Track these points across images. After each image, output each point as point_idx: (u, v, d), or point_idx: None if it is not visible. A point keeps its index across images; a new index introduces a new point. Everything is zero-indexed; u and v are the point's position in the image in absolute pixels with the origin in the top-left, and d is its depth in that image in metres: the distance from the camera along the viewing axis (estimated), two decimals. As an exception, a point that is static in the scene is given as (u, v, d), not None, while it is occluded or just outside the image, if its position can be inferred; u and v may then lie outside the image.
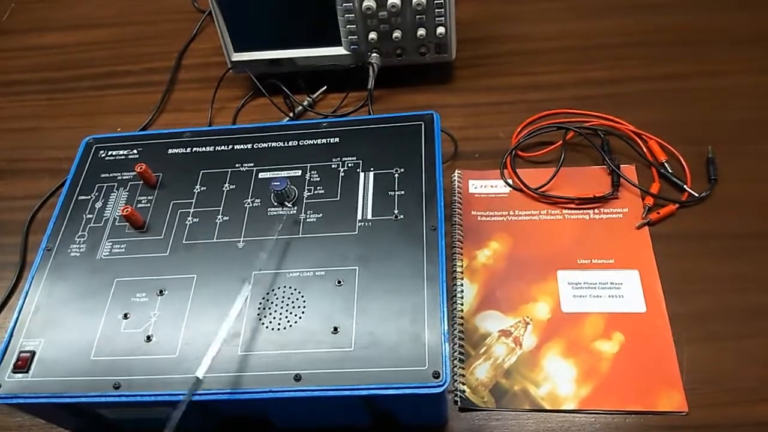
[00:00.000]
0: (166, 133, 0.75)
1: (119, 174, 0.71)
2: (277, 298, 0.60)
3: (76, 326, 0.60)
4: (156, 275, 0.63)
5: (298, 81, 0.94)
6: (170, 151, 0.73)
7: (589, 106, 0.86)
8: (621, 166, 0.79)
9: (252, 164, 0.70)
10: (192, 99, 0.99)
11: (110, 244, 0.66)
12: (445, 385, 0.53)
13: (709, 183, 0.77)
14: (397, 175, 0.67)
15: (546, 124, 0.85)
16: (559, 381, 0.65)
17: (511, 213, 0.78)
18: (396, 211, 0.64)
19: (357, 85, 0.91)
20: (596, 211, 0.77)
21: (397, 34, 0.86)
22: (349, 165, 0.68)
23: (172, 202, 0.68)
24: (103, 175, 0.72)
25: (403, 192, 0.65)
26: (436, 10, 0.84)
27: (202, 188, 0.69)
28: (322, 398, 0.54)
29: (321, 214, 0.65)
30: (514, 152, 0.83)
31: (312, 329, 0.57)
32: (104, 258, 0.65)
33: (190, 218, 0.67)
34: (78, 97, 1.02)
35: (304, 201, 0.66)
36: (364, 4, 0.83)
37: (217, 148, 0.72)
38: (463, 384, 0.65)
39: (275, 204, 0.66)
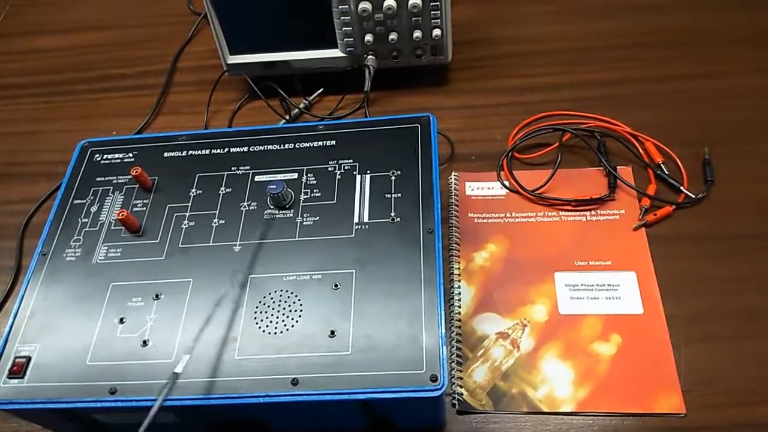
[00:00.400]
0: (162, 137, 0.75)
1: (115, 177, 0.71)
2: (273, 302, 0.59)
3: (72, 331, 0.60)
4: (152, 279, 0.63)
5: (294, 83, 0.94)
6: (166, 154, 0.73)
7: (585, 107, 0.87)
8: (618, 167, 0.79)
9: (248, 167, 0.70)
10: (188, 102, 0.98)
11: (106, 248, 0.66)
12: (443, 389, 0.53)
13: (705, 184, 0.77)
14: (393, 178, 0.67)
15: (542, 125, 0.85)
16: (556, 383, 0.65)
17: (508, 215, 0.78)
18: (393, 214, 0.64)
19: (353, 87, 0.90)
20: (593, 212, 0.77)
21: (393, 36, 0.86)
22: (346, 168, 0.68)
23: (168, 205, 0.68)
24: (98, 179, 0.71)
25: (399, 194, 0.65)
26: (432, 12, 0.84)
27: (198, 192, 0.69)
28: (320, 402, 0.54)
29: (317, 217, 0.65)
30: (510, 154, 0.83)
31: (309, 333, 0.57)
32: (100, 262, 0.65)
33: (186, 222, 0.66)
34: (74, 101, 1.02)
35: (301, 204, 0.66)
36: (360, 6, 0.83)
37: (213, 151, 0.72)
38: (461, 387, 0.65)
39: (271, 207, 0.66)
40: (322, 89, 0.94)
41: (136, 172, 0.68)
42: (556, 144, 0.82)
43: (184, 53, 1.06)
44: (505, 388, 0.65)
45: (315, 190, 0.67)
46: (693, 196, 0.76)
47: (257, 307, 0.59)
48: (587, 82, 0.91)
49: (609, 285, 0.71)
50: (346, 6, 0.84)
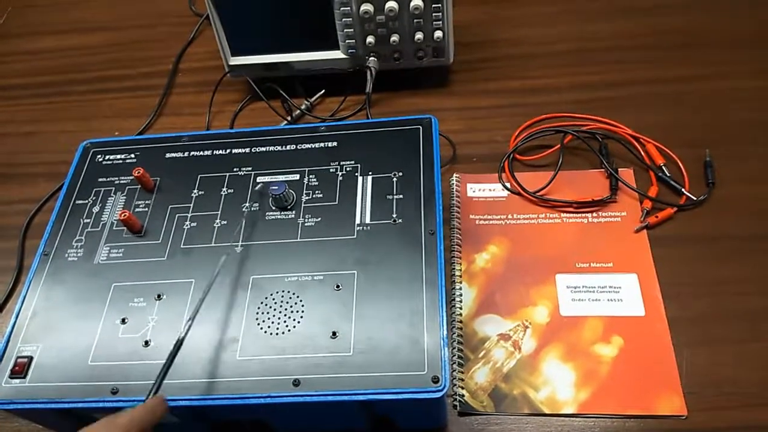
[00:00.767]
0: (164, 137, 0.75)
1: (117, 178, 0.71)
2: (275, 303, 0.59)
3: (74, 331, 0.60)
4: (154, 280, 0.63)
5: (295, 85, 0.94)
6: (168, 155, 0.73)
7: (587, 109, 0.87)
8: (619, 169, 0.79)
9: (250, 168, 0.70)
10: (189, 103, 0.99)
11: (108, 248, 0.66)
12: (445, 390, 0.53)
13: (707, 186, 0.77)
14: (395, 179, 0.67)
15: (544, 127, 0.85)
16: (558, 385, 0.65)
17: (510, 216, 0.78)
18: (394, 215, 0.64)
19: (355, 89, 0.91)
20: (594, 214, 0.77)
21: (394, 38, 0.86)
22: (348, 169, 0.68)
23: (170, 206, 0.68)
24: (100, 180, 0.72)
25: (401, 196, 0.65)
26: (434, 14, 0.84)
27: (200, 192, 0.69)
28: (321, 403, 0.54)
29: (319, 218, 0.65)
30: (512, 156, 0.83)
31: (310, 334, 0.57)
32: (102, 263, 0.65)
33: (187, 222, 0.67)
34: (75, 101, 1.02)
35: (303, 205, 0.66)
36: (362, 8, 0.83)
37: (214, 152, 0.72)
38: (462, 388, 0.65)
39: (273, 208, 0.66)
40: (323, 91, 0.94)
41: (138, 172, 0.68)
42: (558, 146, 0.82)
43: (186, 54, 1.07)
44: (506, 390, 0.65)
45: (317, 192, 0.67)
46: (694, 198, 0.76)
47: (259, 308, 0.59)
48: (588, 84, 0.91)
49: (610, 287, 0.71)
50: (348, 8, 0.84)
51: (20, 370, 0.58)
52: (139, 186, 0.70)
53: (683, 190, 0.77)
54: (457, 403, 0.65)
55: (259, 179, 0.69)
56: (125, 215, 0.65)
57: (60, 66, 1.08)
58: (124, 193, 0.70)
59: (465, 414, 0.64)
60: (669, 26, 0.97)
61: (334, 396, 0.54)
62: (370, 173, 0.68)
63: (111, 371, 0.57)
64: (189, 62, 1.05)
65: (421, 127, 0.70)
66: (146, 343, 0.59)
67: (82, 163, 0.73)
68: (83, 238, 0.67)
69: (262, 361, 0.56)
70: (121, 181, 0.71)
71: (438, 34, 0.85)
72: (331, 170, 0.69)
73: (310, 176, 0.68)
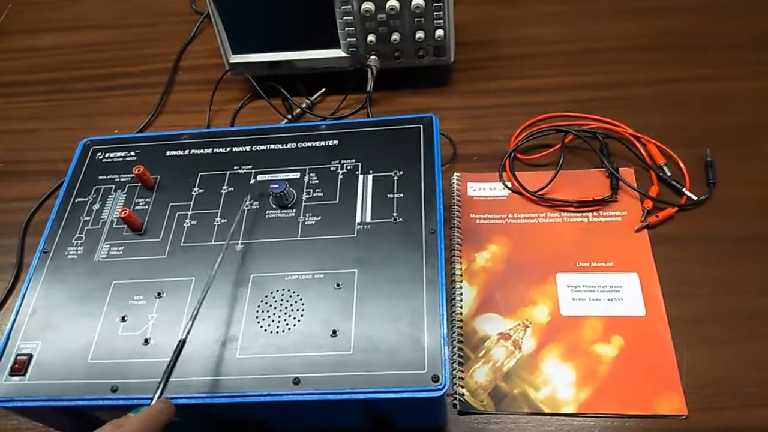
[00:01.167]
0: (164, 135, 0.75)
1: (117, 176, 0.71)
2: (275, 301, 0.59)
3: (74, 329, 0.60)
4: (154, 278, 0.63)
5: (296, 83, 0.94)
6: (168, 153, 0.73)
7: (587, 109, 0.87)
8: (620, 169, 0.79)
9: (250, 166, 0.70)
10: (190, 101, 0.98)
11: (108, 246, 0.66)
12: (445, 389, 0.53)
13: (707, 186, 0.77)
14: (396, 178, 0.67)
15: (545, 127, 0.85)
16: (558, 384, 0.65)
17: (510, 216, 0.78)
18: (395, 214, 0.64)
19: (356, 87, 0.90)
20: (595, 214, 0.77)
21: (395, 36, 0.86)
22: (348, 168, 0.68)
23: (170, 204, 0.68)
24: (100, 177, 0.71)
25: (402, 195, 0.65)
26: (435, 13, 0.84)
27: (200, 190, 0.69)
28: (321, 402, 0.54)
29: (320, 217, 0.65)
30: (512, 155, 0.83)
31: (311, 332, 0.57)
32: (102, 260, 0.65)
33: (188, 221, 0.66)
34: (76, 99, 1.02)
35: (303, 204, 0.66)
36: (363, 6, 0.83)
37: (215, 150, 0.72)
38: (462, 387, 0.65)
39: (274, 206, 0.66)
40: (324, 89, 0.94)
41: (139, 170, 0.68)
42: (559, 145, 0.82)
43: (186, 52, 1.07)
44: (506, 389, 0.65)
45: (317, 190, 0.67)
46: (695, 198, 0.76)
47: (259, 306, 0.59)
48: (589, 83, 0.91)
49: (611, 286, 0.71)
50: (349, 6, 0.84)
51: (20, 367, 0.58)
52: (140, 184, 0.70)
53: (684, 189, 0.77)
54: (457, 402, 0.65)
55: (260, 177, 0.69)
56: (125, 213, 0.65)
57: (61, 63, 1.08)
58: (125, 191, 0.70)
59: (465, 413, 0.64)
60: (670, 27, 0.97)
61: (334, 395, 0.54)
62: (370, 172, 0.68)
63: (111, 369, 0.57)
64: (189, 60, 1.05)
65: (421, 126, 0.70)
66: (146, 341, 0.59)
67: (82, 161, 0.73)
68: (83, 235, 0.67)
69: (262, 359, 0.56)
70: (122, 179, 0.71)
71: (439, 33, 0.85)
72: (332, 169, 0.69)
73: (311, 175, 0.68)
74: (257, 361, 0.56)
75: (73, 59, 1.08)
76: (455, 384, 0.65)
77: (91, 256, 0.65)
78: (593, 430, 0.62)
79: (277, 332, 0.58)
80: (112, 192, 0.70)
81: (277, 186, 0.65)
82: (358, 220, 0.64)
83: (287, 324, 0.58)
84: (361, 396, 0.53)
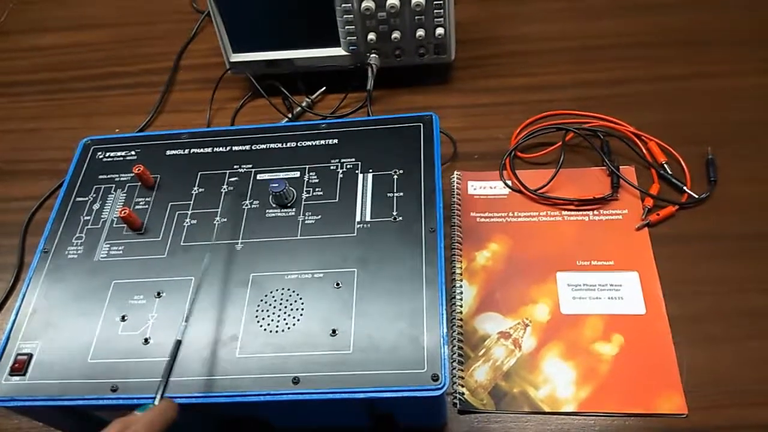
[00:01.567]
0: (164, 135, 0.75)
1: (117, 175, 0.71)
2: (275, 300, 0.59)
3: (74, 329, 0.60)
4: (154, 277, 0.63)
5: (296, 82, 0.94)
6: (168, 152, 0.73)
7: (588, 107, 0.86)
8: (620, 167, 0.79)
9: (250, 166, 0.70)
10: (190, 100, 0.98)
11: (108, 245, 0.66)
12: (444, 388, 0.53)
13: (708, 184, 0.77)
14: (396, 177, 0.66)
15: (545, 125, 0.85)
16: (558, 383, 0.65)
17: (511, 214, 0.78)
18: (395, 213, 0.64)
19: (356, 86, 0.90)
20: (596, 212, 0.77)
21: (396, 34, 0.86)
22: (348, 166, 0.68)
23: (170, 203, 0.68)
24: (100, 177, 0.71)
25: (402, 193, 0.65)
26: (435, 11, 0.83)
27: (200, 190, 0.69)
28: (321, 401, 0.54)
29: (319, 216, 0.65)
30: (513, 153, 0.83)
31: (310, 331, 0.57)
32: (102, 260, 0.65)
33: (188, 220, 0.66)
34: (76, 98, 1.02)
35: (303, 202, 0.66)
36: (363, 4, 0.83)
37: (215, 149, 0.72)
38: (462, 386, 0.65)
39: (273, 206, 0.66)
40: (324, 88, 0.94)
41: (139, 170, 0.68)
42: (559, 143, 0.82)
43: (187, 51, 1.07)
44: (506, 388, 0.65)
45: (317, 189, 0.67)
46: (696, 196, 0.76)
47: (258, 306, 0.59)
48: (590, 81, 0.91)
49: (611, 285, 0.70)
50: (350, 4, 0.83)
51: (20, 367, 0.58)
52: (140, 183, 0.70)
53: (685, 188, 0.77)
54: (457, 401, 0.65)
55: (260, 176, 0.69)
56: (125, 212, 0.65)
57: (62, 63, 1.08)
58: (125, 191, 0.70)
59: (465, 412, 0.64)
60: (671, 24, 0.97)
61: (334, 394, 0.54)
62: (370, 171, 0.67)
63: (111, 369, 0.57)
64: (190, 59, 1.05)
65: (421, 125, 0.70)
66: (146, 341, 0.59)
67: (82, 161, 0.73)
68: (83, 235, 0.67)
69: (262, 358, 0.56)
70: (122, 179, 0.71)
71: (439, 31, 0.85)
72: (332, 167, 0.68)
73: (311, 173, 0.68)
74: (257, 361, 0.56)
75: (73, 59, 1.09)
76: (455, 383, 0.65)
77: (91, 255, 0.65)
78: (593, 429, 0.62)
79: (277, 332, 0.58)
80: (112, 191, 0.70)
81: (276, 185, 0.65)
82: (357, 219, 0.64)
83: (287, 323, 0.58)
84: (361, 395, 0.53)
